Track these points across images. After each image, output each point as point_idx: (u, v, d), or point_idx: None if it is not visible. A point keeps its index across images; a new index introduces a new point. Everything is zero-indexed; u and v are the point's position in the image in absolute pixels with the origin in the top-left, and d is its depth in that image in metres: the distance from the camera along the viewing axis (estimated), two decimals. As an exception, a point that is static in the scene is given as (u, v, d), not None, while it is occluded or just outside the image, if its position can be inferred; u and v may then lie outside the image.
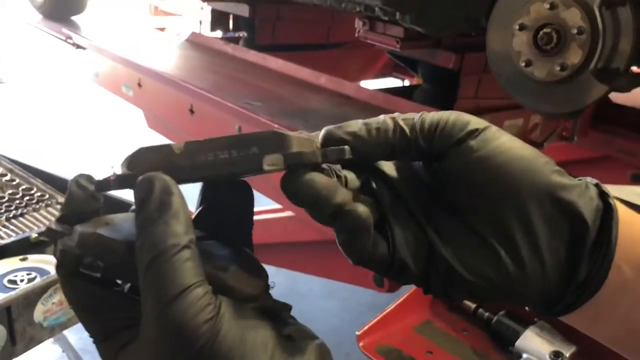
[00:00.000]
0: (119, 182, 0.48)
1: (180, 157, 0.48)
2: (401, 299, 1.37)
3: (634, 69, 1.43)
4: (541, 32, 1.36)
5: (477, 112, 2.24)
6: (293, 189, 0.50)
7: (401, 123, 0.52)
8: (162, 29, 3.95)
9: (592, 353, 1.17)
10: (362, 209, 0.49)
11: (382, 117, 0.54)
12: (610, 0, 1.25)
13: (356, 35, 2.11)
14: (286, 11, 2.90)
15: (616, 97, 2.48)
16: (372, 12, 1.80)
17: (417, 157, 0.52)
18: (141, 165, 0.48)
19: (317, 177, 0.49)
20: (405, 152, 0.52)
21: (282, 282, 3.02)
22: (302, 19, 2.94)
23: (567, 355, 1.16)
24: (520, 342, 1.21)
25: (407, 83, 3.43)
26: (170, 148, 0.48)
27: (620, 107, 2.52)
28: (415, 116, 0.53)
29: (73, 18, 3.20)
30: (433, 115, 0.52)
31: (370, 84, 3.28)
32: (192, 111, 2.21)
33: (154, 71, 2.38)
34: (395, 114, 0.54)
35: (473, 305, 1.35)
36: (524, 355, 1.21)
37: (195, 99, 2.19)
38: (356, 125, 0.53)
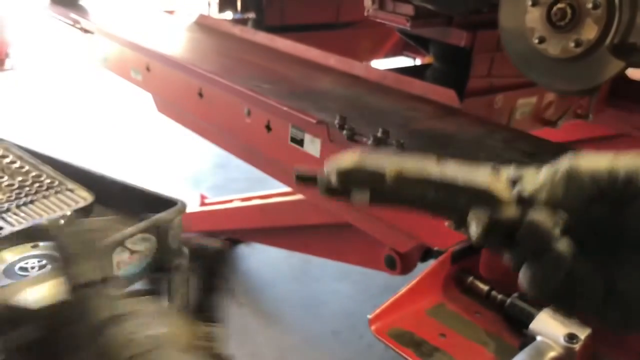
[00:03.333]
0: (328, 191, 0.56)
1: (390, 182, 0.52)
2: (413, 282, 1.36)
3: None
4: (555, 8, 1.32)
5: (490, 90, 2.21)
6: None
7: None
8: (171, 12, 3.91)
9: (607, 335, 1.15)
10: (564, 248, 0.50)
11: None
12: (627, -28, 1.21)
13: (365, 14, 2.08)
14: (294, -9, 2.86)
15: (633, 72, 2.42)
16: (380, -9, 1.77)
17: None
18: (352, 181, 0.54)
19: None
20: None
21: (295, 264, 3.02)
22: (311, -1, 2.90)
23: (582, 337, 1.14)
24: (534, 325, 1.19)
25: (418, 62, 3.38)
26: (382, 175, 0.52)
27: (637, 83, 2.46)
28: (602, 166, 0.53)
29: (82, 3, 3.18)
30: (627, 168, 0.53)
31: (381, 64, 3.24)
32: (201, 95, 2.20)
33: (162, 55, 2.36)
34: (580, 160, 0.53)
35: (486, 288, 1.33)
36: (538, 338, 1.19)
37: (204, 83, 2.17)
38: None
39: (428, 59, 2.70)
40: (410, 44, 2.75)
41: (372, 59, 3.36)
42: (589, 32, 1.28)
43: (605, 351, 1.17)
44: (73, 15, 2.86)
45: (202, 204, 2.93)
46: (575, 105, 2.44)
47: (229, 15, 3.02)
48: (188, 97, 2.27)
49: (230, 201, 2.81)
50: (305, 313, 2.72)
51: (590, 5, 1.27)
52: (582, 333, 1.14)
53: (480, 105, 2.17)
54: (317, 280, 3.00)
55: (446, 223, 0.58)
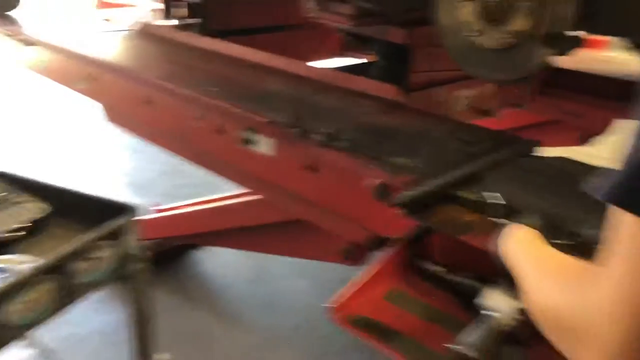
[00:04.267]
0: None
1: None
2: (370, 270, 1.42)
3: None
4: (489, 2, 1.41)
5: (431, 84, 2.30)
6: None
7: None
8: (111, 20, 3.86)
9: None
10: None
11: None
12: (551, -32, 1.31)
13: (308, 15, 2.13)
14: (237, -5, 2.89)
15: (564, 61, 2.56)
16: (322, -8, 1.82)
17: None
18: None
19: None
20: None
21: (252, 265, 3.05)
22: (255, 2, 2.93)
23: (529, 309, 1.22)
24: (485, 301, 1.27)
25: (361, 61, 3.45)
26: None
27: (567, 71, 2.60)
28: None
29: (13, 14, 3.10)
30: None
31: (326, 64, 3.30)
32: (150, 102, 2.20)
33: (108, 64, 2.35)
34: None
35: (440, 270, 1.40)
36: (490, 313, 1.26)
37: (152, 90, 2.18)
38: None
39: (370, 58, 2.77)
40: (353, 43, 2.82)
41: (317, 59, 3.42)
42: (521, 23, 1.37)
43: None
44: (11, 27, 2.79)
45: (155, 211, 2.91)
46: (510, 95, 2.57)
47: (173, 21, 3.01)
48: (137, 105, 2.26)
49: (183, 206, 2.81)
50: (265, 312, 2.75)
51: None
52: (529, 305, 1.22)
53: (423, 99, 2.25)
54: (275, 279, 3.03)
55: None
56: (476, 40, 1.43)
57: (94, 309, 2.54)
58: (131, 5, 4.12)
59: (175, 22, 2.98)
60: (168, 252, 3.01)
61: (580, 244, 1.25)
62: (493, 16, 1.39)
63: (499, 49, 1.41)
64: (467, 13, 1.44)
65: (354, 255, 1.75)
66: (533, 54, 1.39)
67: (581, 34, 1.59)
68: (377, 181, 1.52)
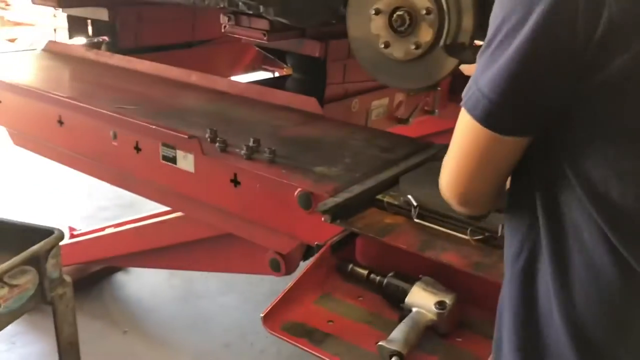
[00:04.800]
0: None
1: None
2: (298, 277, 1.44)
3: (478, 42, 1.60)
4: (395, 15, 1.49)
5: (346, 95, 2.38)
6: None
7: None
8: (12, 40, 3.71)
9: (469, 296, 1.32)
10: None
11: None
12: (450, -18, 1.40)
13: (222, 30, 2.15)
14: (148, 12, 2.85)
15: (470, 69, 2.72)
16: (236, 7, 1.85)
17: None
18: None
19: None
20: None
21: (178, 284, 2.99)
22: (165, 19, 2.91)
23: (449, 303, 1.29)
24: (409, 298, 1.33)
25: (277, 75, 3.50)
26: None
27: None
28: None
29: None
30: None
31: (241, 79, 3.32)
32: (61, 122, 2.13)
33: (13, 85, 2.25)
34: None
35: (365, 272, 1.45)
36: (414, 309, 1.32)
37: (63, 109, 2.11)
38: None
39: (286, 71, 2.82)
40: (268, 57, 2.86)
41: (233, 74, 3.43)
42: (426, 35, 1.46)
43: (470, 311, 1.33)
44: None
45: (72, 236, 2.81)
46: (422, 103, 2.70)
47: (80, 40, 2.93)
48: (47, 126, 2.18)
49: (103, 229, 2.73)
50: (194, 331, 2.71)
51: (424, 12, 1.45)
52: (449, 299, 1.30)
53: (339, 109, 2.32)
54: (201, 297, 2.99)
55: None
56: (385, 52, 1.51)
57: (11, 342, 2.41)
58: (34, 25, 3.96)
59: (81, 40, 2.90)
60: (90, 276, 2.91)
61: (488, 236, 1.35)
62: (400, 29, 1.47)
63: (407, 59, 1.49)
64: (376, 26, 1.52)
65: (282, 265, 1.77)
66: (438, 63, 1.48)
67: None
68: (301, 190, 1.56)
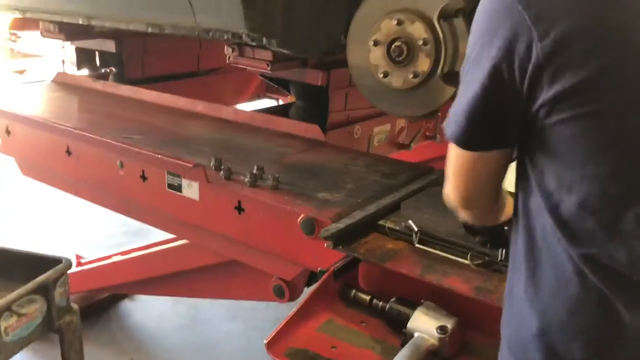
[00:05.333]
0: None
1: None
2: (302, 304, 1.46)
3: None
4: (393, 46, 1.53)
5: (349, 122, 2.41)
6: None
7: None
8: (21, 72, 3.78)
9: (471, 320, 1.33)
10: None
11: None
12: (446, 13, 1.44)
13: (227, 61, 2.20)
14: (154, 43, 2.92)
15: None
16: (239, 39, 1.89)
17: None
18: None
19: None
20: None
21: (184, 311, 3.00)
22: (170, 49, 2.97)
23: (450, 327, 1.31)
24: (410, 323, 1.34)
25: (281, 102, 3.55)
26: None
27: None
28: None
29: None
30: None
31: (247, 107, 3.37)
32: (69, 152, 2.17)
33: (23, 116, 2.31)
34: None
35: (368, 298, 1.47)
36: (416, 334, 1.33)
37: (70, 139, 2.16)
38: None
39: (290, 99, 2.87)
40: (272, 85, 2.91)
41: (238, 102, 3.49)
42: (423, 64, 1.50)
43: (472, 335, 1.34)
44: None
45: (79, 264, 2.83)
46: (424, 129, 2.73)
47: (88, 71, 2.99)
48: (55, 156, 2.23)
49: (110, 257, 2.75)
50: (200, 357, 2.71)
51: (421, 42, 1.49)
52: (450, 323, 1.31)
53: (342, 136, 2.36)
54: (207, 324, 2.99)
55: None
56: (384, 81, 1.55)
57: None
58: (42, 56, 4.04)
59: (89, 71, 2.96)
60: (97, 304, 2.93)
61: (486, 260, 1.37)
62: (398, 59, 1.51)
63: (405, 88, 1.53)
64: (375, 57, 1.56)
65: (286, 291, 1.79)
66: (436, 91, 1.52)
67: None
68: (304, 216, 1.58)
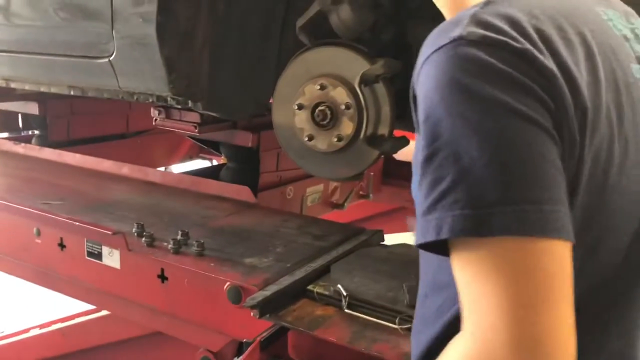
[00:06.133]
0: None
1: None
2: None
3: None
4: (317, 110, 1.53)
5: (281, 183, 2.39)
6: None
7: None
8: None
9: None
10: None
11: None
12: (367, 79, 1.47)
13: (154, 123, 2.16)
14: (80, 105, 2.85)
15: (399, 154, 2.81)
16: (165, 102, 1.87)
17: None
18: None
19: None
20: None
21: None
22: (97, 111, 2.90)
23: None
24: (341, 394, 1.30)
25: (215, 163, 3.52)
26: None
27: (404, 163, 2.85)
28: None
29: None
30: None
31: (179, 168, 3.32)
32: (-19, 220, 2.04)
33: None
34: None
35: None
36: (347, 406, 1.29)
37: (-17, 207, 2.03)
38: None
39: (224, 160, 2.84)
40: (203, 147, 2.88)
41: (170, 164, 3.43)
42: (347, 128, 1.51)
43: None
44: None
45: (-7, 339, 2.63)
46: (357, 188, 2.75)
47: (9, 134, 2.88)
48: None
49: (27, 330, 2.57)
50: None
51: (343, 107, 1.50)
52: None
53: (274, 197, 2.33)
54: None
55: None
56: (310, 144, 1.54)
57: None
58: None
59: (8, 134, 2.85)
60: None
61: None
62: (322, 122, 1.51)
63: (330, 151, 1.53)
64: (299, 120, 1.56)
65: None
66: (360, 154, 1.52)
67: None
68: (229, 284, 1.52)
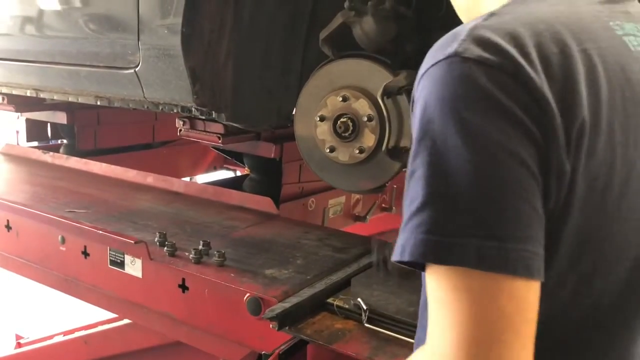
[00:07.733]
0: None
1: None
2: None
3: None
4: (339, 122, 1.53)
5: (303, 195, 2.39)
6: None
7: None
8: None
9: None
10: None
11: None
12: (389, 91, 1.46)
13: (178, 134, 2.17)
14: (107, 115, 2.89)
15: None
16: (189, 112, 1.88)
17: None
18: None
19: None
20: None
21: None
22: (124, 121, 2.94)
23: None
24: (360, 410, 1.28)
25: (239, 174, 3.53)
26: None
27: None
28: None
29: None
30: None
31: (203, 178, 3.34)
32: (8, 227, 2.08)
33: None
34: None
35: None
36: (365, 422, 1.27)
37: (11, 214, 2.07)
38: None
39: (246, 170, 2.85)
40: (226, 158, 2.89)
41: (194, 174, 3.45)
42: (368, 140, 1.50)
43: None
44: None
45: (18, 345, 2.66)
46: (379, 200, 2.73)
47: (37, 143, 2.93)
48: (-6, 232, 2.13)
49: (51, 337, 2.60)
50: None
51: (366, 119, 1.49)
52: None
53: (295, 209, 2.33)
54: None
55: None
56: (331, 156, 1.54)
57: None
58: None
59: (37, 143, 2.91)
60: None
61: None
62: (344, 134, 1.51)
63: (351, 163, 1.52)
64: (322, 132, 1.56)
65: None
66: (382, 166, 1.51)
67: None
68: (249, 295, 1.52)
